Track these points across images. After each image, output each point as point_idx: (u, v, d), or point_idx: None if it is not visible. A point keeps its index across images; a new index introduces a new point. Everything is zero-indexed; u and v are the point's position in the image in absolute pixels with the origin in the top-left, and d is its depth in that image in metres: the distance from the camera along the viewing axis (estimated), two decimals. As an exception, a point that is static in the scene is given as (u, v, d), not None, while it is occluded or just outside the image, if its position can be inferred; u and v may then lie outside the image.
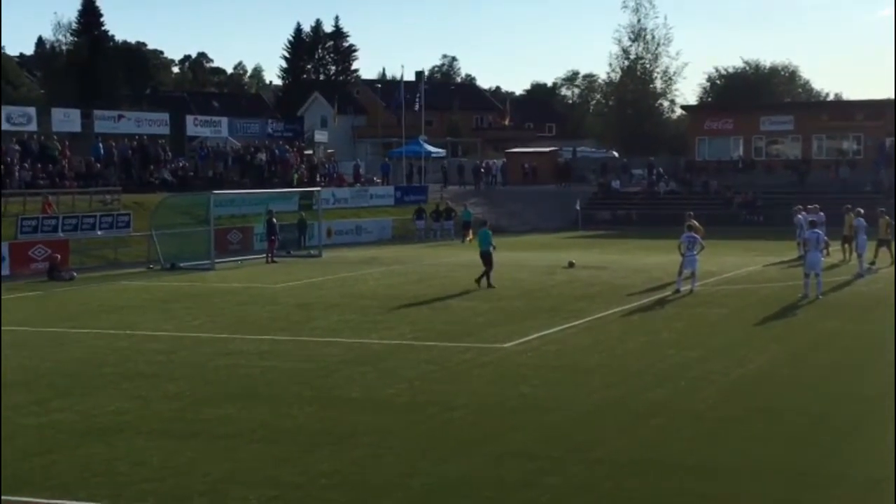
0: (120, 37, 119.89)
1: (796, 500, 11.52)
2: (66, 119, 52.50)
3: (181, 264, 39.55)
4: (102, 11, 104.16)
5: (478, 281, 31.31)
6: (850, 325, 23.81)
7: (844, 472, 12.50)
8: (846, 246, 37.49)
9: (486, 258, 31.60)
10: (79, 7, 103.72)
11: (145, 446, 13.80)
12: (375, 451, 13.44)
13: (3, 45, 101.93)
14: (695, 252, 29.70)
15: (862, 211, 36.74)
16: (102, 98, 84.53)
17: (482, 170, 75.90)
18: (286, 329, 24.09)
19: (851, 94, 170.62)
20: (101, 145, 52.23)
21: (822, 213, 39.46)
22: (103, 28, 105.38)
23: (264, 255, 42.92)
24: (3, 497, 11.57)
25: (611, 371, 18.53)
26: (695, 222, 31.09)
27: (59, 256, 37.26)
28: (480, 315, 25.88)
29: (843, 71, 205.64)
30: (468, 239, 52.33)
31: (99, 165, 50.77)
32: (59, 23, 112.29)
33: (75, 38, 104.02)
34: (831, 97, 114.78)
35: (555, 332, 23.01)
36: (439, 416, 15.29)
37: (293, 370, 19.00)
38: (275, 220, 43.43)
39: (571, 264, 37.67)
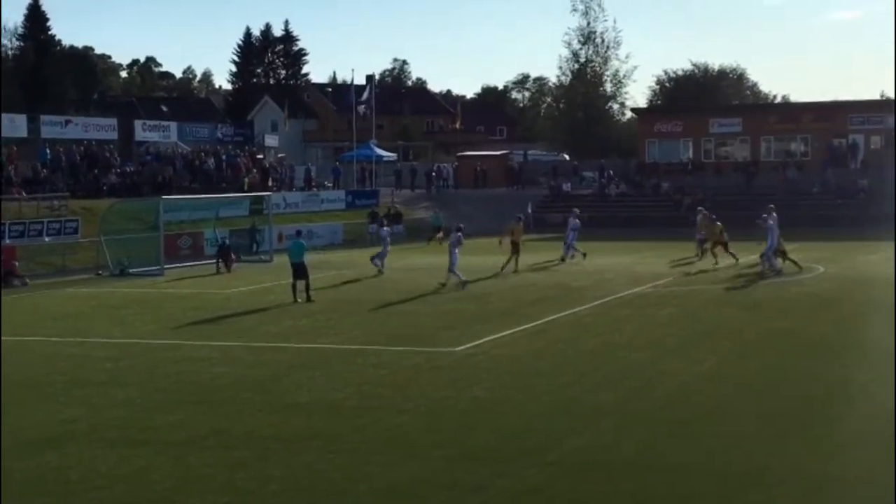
0: (67, 41, 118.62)
1: (745, 499, 11.61)
2: (12, 124, 51.75)
3: (130, 270, 39.23)
4: (49, 16, 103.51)
5: (296, 299, 29.41)
6: (797, 325, 24.04)
7: (792, 470, 12.61)
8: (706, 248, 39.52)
9: (300, 270, 29.79)
10: (24, 11, 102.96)
11: (96, 454, 13.70)
12: (325, 455, 13.43)
13: (2, 43, 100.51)
14: None
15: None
16: (49, 103, 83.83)
17: (434, 173, 76.00)
18: (236, 335, 23.96)
19: (799, 96, 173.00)
20: (48, 151, 51.77)
21: (774, 215, 40.06)
22: (50, 32, 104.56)
23: (214, 260, 42.47)
24: None
25: (563, 373, 18.59)
26: None
27: (16, 263, 36.89)
28: (431, 319, 25.89)
29: (791, 73, 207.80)
30: (438, 237, 51.88)
31: (46, 171, 50.29)
32: (4, 27, 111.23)
33: (21, 43, 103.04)
34: (779, 99, 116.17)
35: (507, 335, 23.03)
36: (389, 420, 15.27)
37: (243, 376, 18.92)
38: (228, 242, 43.97)
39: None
